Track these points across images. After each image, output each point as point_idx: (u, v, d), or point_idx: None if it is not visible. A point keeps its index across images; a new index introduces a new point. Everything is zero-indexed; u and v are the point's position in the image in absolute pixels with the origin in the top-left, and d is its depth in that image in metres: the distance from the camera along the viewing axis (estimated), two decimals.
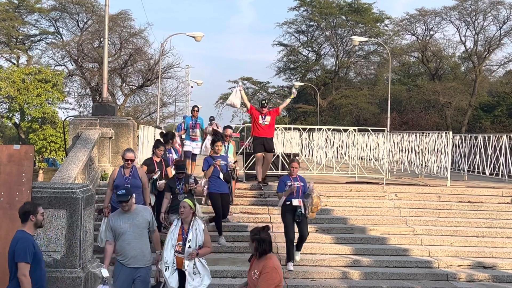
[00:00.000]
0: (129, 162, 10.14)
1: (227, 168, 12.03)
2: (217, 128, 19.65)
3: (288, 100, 15.72)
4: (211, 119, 19.95)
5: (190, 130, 16.20)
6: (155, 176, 11.34)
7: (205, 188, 11.82)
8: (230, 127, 14.34)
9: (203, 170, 12.05)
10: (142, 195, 10.30)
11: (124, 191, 8.01)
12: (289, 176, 10.92)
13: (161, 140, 12.81)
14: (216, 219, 11.90)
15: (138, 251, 7.90)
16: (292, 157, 11.62)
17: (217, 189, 11.79)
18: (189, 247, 7.87)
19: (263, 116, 14.10)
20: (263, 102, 14.53)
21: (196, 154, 16.75)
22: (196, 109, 16.55)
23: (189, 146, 16.32)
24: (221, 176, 11.78)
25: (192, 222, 8.01)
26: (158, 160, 11.70)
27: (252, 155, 15.49)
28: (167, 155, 12.54)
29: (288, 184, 10.73)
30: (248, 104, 14.49)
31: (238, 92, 14.43)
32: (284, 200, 10.74)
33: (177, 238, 7.97)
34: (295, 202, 10.70)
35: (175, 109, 60.00)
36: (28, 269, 6.71)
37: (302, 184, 10.84)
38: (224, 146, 12.96)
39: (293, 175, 10.89)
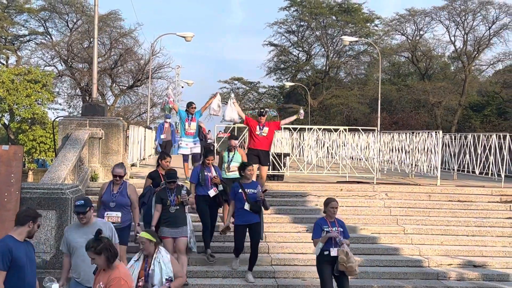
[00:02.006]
0: (118, 178, 9.48)
1: (257, 198, 10.20)
2: (202, 129, 19.26)
3: (292, 118, 14.39)
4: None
5: (186, 124, 14.39)
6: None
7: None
8: (235, 137, 12.85)
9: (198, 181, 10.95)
10: (130, 215, 9.63)
11: (82, 201, 7.34)
12: (325, 219, 9.01)
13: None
14: (234, 251, 10.79)
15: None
16: (330, 198, 9.16)
17: (243, 219, 10.25)
18: (153, 285, 6.96)
19: (261, 127, 13.27)
20: (262, 110, 13.72)
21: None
22: (193, 105, 14.71)
23: (186, 148, 14.49)
24: (248, 207, 10.18)
25: (155, 254, 7.12)
26: (164, 172, 10.79)
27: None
28: (205, 173, 10.99)
29: (326, 229, 8.82)
30: (243, 115, 13.72)
31: (233, 105, 13.73)
32: (321, 249, 8.90)
33: (139, 273, 7.04)
34: (334, 252, 8.77)
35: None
36: (2, 277, 6.27)
37: (341, 229, 8.97)
38: (228, 156, 12.12)
39: (332, 219, 9.00)
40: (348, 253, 8.65)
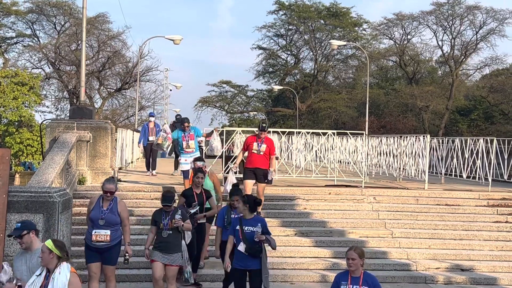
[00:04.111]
0: (109, 194, 8.90)
1: (254, 238, 8.42)
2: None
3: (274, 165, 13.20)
4: (178, 118, 18.31)
5: (184, 143, 13.84)
6: (192, 211, 10.02)
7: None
8: (201, 159, 11.66)
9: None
10: (120, 232, 9.05)
11: (19, 224, 6.79)
12: (347, 274, 6.99)
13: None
14: None
15: None
16: (349, 249, 7.04)
17: (240, 263, 8.48)
18: None
19: (259, 143, 12.47)
20: (264, 125, 12.61)
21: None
22: (186, 124, 14.00)
23: (187, 164, 13.55)
24: (243, 248, 8.42)
25: (56, 269, 6.29)
26: (198, 191, 10.37)
27: (232, 158, 15.46)
28: (232, 216, 9.58)
29: (343, 284, 6.93)
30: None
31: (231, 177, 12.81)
32: None
33: None
34: None
35: (154, 113, 59.64)
36: None
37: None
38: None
39: (353, 274, 6.95)
40: None
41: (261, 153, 12.48)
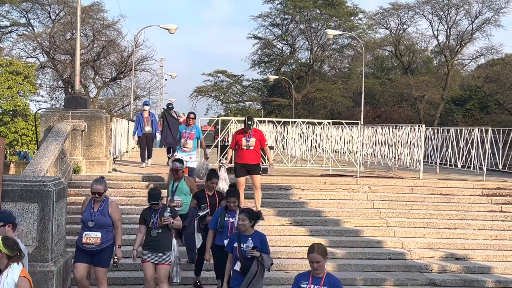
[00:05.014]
0: (97, 195, 8.66)
1: (247, 255, 7.68)
2: (177, 117, 18.97)
3: (270, 157, 12.92)
4: (170, 107, 18.24)
5: (183, 140, 13.29)
6: (202, 213, 9.73)
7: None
8: (180, 161, 10.85)
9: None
10: (113, 234, 8.79)
11: None
12: (309, 274, 6.66)
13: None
14: None
15: None
16: (311, 251, 6.57)
17: (236, 281, 7.81)
18: None
19: (247, 138, 12.17)
20: (249, 123, 12.14)
21: (194, 168, 13.11)
22: (192, 116, 13.52)
23: None
24: (238, 267, 7.76)
25: (6, 270, 5.90)
26: (211, 193, 9.99)
27: (227, 148, 15.44)
28: (226, 219, 9.03)
29: (304, 283, 6.58)
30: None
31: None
32: None
33: None
34: None
35: (149, 101, 59.52)
36: None
37: None
38: (172, 186, 10.44)
39: (316, 275, 6.60)
40: None
41: (251, 147, 12.16)
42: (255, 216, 7.93)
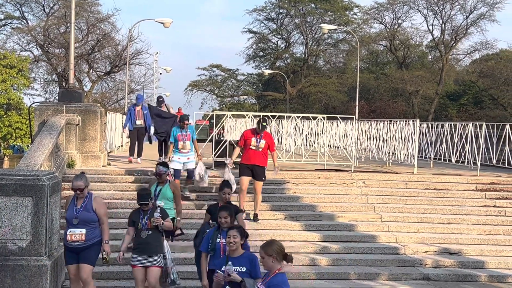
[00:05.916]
0: (78, 192, 8.42)
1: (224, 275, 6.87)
2: (168, 109, 18.71)
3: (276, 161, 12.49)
4: (160, 100, 17.76)
5: (180, 143, 12.91)
6: (209, 230, 8.92)
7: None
8: (165, 165, 10.28)
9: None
10: (99, 231, 8.54)
11: None
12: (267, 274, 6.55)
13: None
14: None
15: None
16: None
17: None
18: None
19: (258, 139, 11.85)
20: (264, 124, 11.83)
21: (193, 169, 13.03)
22: (186, 120, 13.16)
23: (179, 162, 12.89)
24: None
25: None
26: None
27: (222, 143, 15.45)
28: (217, 240, 8.01)
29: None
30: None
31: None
32: None
33: None
34: None
35: (144, 96, 59.44)
36: None
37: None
38: (155, 190, 9.87)
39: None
40: None
41: (260, 149, 11.88)
42: (246, 234, 7.24)
